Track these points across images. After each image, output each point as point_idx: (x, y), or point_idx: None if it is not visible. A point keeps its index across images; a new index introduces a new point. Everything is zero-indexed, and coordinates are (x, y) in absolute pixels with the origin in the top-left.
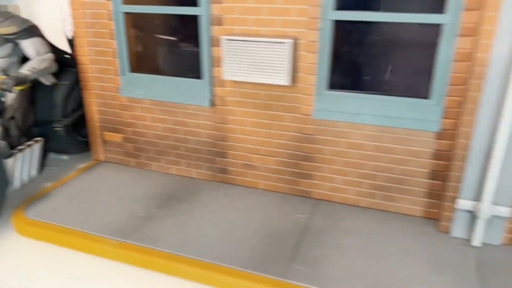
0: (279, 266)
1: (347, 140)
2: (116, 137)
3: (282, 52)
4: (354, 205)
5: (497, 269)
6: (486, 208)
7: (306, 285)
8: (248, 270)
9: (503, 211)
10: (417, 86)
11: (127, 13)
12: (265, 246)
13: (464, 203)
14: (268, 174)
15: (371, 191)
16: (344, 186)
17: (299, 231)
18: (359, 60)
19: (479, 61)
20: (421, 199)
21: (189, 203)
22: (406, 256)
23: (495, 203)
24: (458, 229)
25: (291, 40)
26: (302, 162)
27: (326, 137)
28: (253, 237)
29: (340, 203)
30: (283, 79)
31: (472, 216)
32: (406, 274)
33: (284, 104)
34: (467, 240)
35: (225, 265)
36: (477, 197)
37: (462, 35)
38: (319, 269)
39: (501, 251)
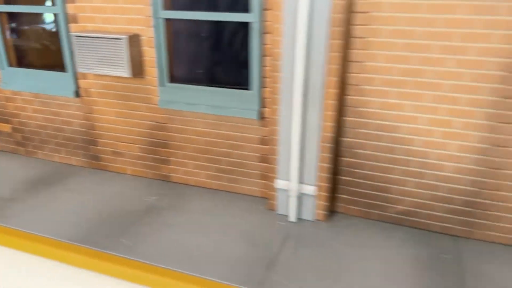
0: (107, 240)
1: (193, 128)
2: (6, 127)
3: (121, 47)
4: (206, 187)
5: (298, 241)
6: (294, 187)
7: (122, 255)
8: (75, 243)
9: (309, 189)
10: (241, 78)
11: None
12: (105, 224)
13: (280, 183)
14: (134, 160)
15: (218, 174)
16: (196, 170)
17: (143, 211)
18: (193, 55)
19: (276, 55)
20: (258, 180)
21: (56, 187)
22: (229, 231)
23: (302, 182)
24: (280, 207)
25: (126, 36)
26: (160, 149)
27: (175, 125)
28: (98, 217)
29: (194, 186)
30: (125, 72)
31: (287, 194)
32: (219, 246)
33: (139, 95)
34: (287, 216)
35: (59, 240)
36: (288, 177)
37: (265, 32)
38: (141, 243)
39: (311, 226)
